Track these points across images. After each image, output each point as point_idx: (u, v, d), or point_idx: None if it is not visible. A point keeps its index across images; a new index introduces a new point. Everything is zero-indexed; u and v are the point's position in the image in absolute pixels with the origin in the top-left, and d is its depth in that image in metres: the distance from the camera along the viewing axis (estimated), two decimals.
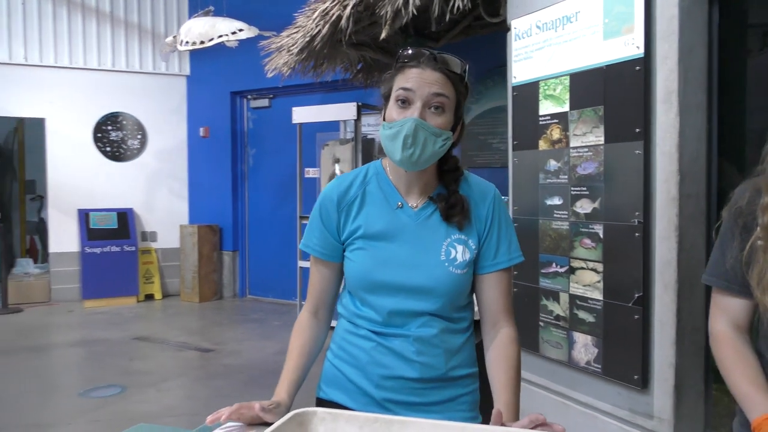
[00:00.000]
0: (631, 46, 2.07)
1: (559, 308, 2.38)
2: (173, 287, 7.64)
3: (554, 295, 2.41)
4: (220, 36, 4.73)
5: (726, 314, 1.27)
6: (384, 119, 1.28)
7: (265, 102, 7.37)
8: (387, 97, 1.29)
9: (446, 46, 4.96)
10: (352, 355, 1.33)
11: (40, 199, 8.96)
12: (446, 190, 1.33)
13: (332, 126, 6.42)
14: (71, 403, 3.93)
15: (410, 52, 1.26)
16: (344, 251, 1.35)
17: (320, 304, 1.40)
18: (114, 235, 7.15)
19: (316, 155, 6.15)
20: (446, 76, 1.25)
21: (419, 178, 1.32)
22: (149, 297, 7.45)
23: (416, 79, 1.23)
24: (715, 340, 1.27)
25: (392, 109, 1.26)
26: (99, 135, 7.38)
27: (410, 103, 1.24)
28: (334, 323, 1.43)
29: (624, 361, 2.13)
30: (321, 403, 1.36)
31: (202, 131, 7.63)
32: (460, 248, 1.29)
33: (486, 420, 1.20)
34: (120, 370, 4.63)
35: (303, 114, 5.66)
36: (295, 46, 3.65)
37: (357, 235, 1.31)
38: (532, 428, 1.08)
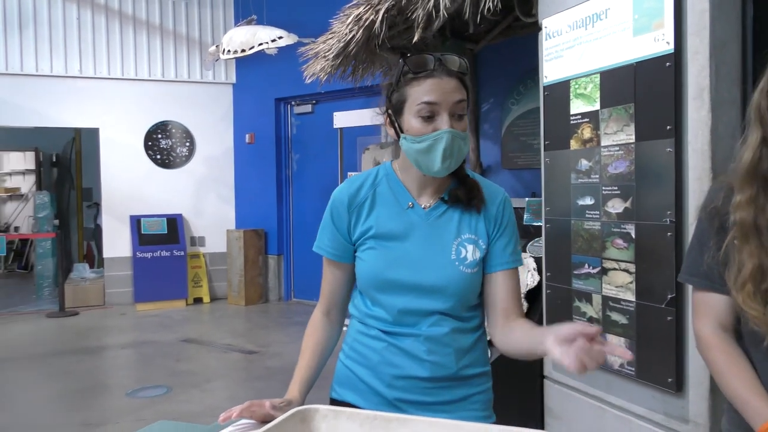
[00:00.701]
0: (662, 42, 2.02)
1: (592, 310, 2.34)
2: (221, 291, 7.82)
3: (587, 297, 2.37)
4: (260, 44, 4.83)
5: (710, 314, 1.25)
6: (401, 130, 1.29)
7: (308, 108, 7.48)
8: (399, 109, 1.29)
9: (486, 47, 4.94)
10: (364, 355, 1.35)
11: (96, 207, 9.31)
12: (458, 181, 1.34)
13: (373, 130, 6.47)
14: (119, 403, 4.07)
15: (417, 61, 1.26)
16: (355, 252, 1.37)
17: (332, 305, 1.42)
18: (164, 240, 7.37)
19: (358, 159, 6.21)
20: (460, 79, 1.26)
21: (434, 179, 1.34)
22: (198, 300, 7.64)
23: (438, 91, 1.23)
24: (703, 344, 1.25)
25: (414, 122, 1.26)
26: (149, 143, 7.62)
27: (436, 115, 1.24)
28: (347, 323, 1.45)
29: (658, 363, 2.08)
30: (334, 403, 1.39)
31: (247, 137, 7.80)
32: (470, 248, 1.30)
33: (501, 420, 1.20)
34: (167, 371, 4.77)
35: (344, 119, 5.73)
36: (331, 51, 3.70)
37: (368, 235, 1.33)
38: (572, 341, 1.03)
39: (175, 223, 7.53)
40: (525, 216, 4.12)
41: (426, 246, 1.31)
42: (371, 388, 1.33)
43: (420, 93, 1.25)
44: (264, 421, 1.18)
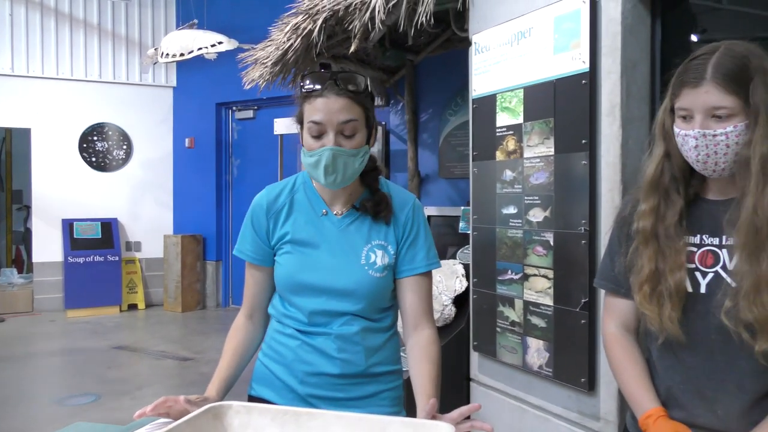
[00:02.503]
0: (578, 61, 2.15)
1: (515, 314, 2.45)
2: (157, 297, 7.67)
3: (510, 302, 2.47)
4: (200, 48, 4.80)
5: (616, 316, 1.35)
6: (303, 143, 1.34)
7: (249, 113, 7.45)
8: (300, 123, 1.35)
9: (426, 59, 5.06)
10: (280, 353, 1.39)
11: (27, 209, 8.98)
12: (370, 192, 1.40)
13: None
14: (44, 411, 3.96)
15: (310, 80, 1.30)
16: (274, 256, 1.41)
17: (255, 308, 1.47)
18: (98, 245, 7.17)
19: (298, 166, 6.20)
20: (350, 98, 1.29)
21: (344, 189, 1.40)
22: (132, 307, 7.46)
23: (324, 111, 1.28)
24: (607, 341, 1.36)
25: (306, 137, 1.32)
26: (84, 145, 7.42)
27: (323, 134, 1.29)
28: None
29: (572, 364, 2.19)
30: (252, 399, 1.43)
31: (187, 142, 7.69)
32: (379, 253, 1.37)
33: (411, 414, 1.26)
34: (97, 379, 4.65)
35: (284, 125, 5.74)
36: (269, 59, 3.72)
37: (285, 240, 1.39)
38: (458, 422, 1.13)
39: (109, 227, 7.35)
40: (460, 224, 4.22)
41: (337, 251, 1.37)
42: (286, 384, 1.37)
43: (310, 111, 1.30)
44: (180, 417, 1.20)
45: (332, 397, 1.35)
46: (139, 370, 4.95)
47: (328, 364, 1.34)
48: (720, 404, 1.19)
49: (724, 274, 1.18)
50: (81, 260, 7.00)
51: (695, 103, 1.14)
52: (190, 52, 4.89)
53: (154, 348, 5.64)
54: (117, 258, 7.23)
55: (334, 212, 1.41)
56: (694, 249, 1.23)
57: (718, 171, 1.17)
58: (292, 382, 1.37)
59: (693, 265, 1.22)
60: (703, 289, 1.20)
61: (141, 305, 7.49)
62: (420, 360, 1.35)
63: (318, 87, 1.29)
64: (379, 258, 1.37)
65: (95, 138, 7.49)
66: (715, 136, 1.13)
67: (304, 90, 1.32)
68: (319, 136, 1.30)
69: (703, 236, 1.23)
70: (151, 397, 1.21)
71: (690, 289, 1.21)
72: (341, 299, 1.35)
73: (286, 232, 1.40)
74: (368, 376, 1.37)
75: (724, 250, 1.19)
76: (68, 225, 7.14)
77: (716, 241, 1.21)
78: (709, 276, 1.20)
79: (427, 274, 1.43)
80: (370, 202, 1.39)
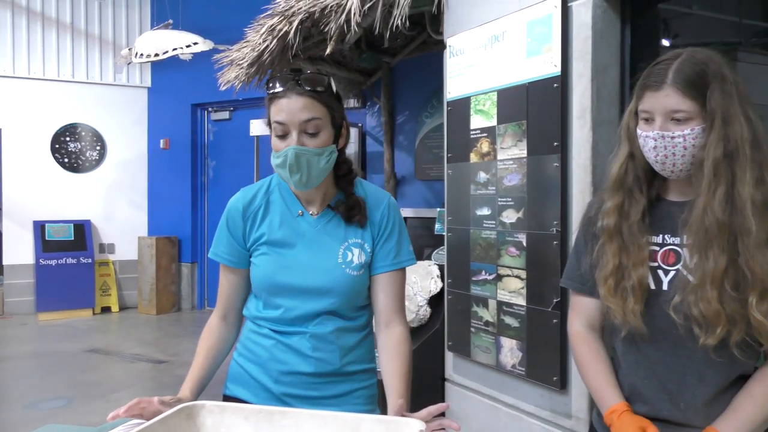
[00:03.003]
0: (550, 65, 2.19)
1: (488, 314, 2.48)
2: (131, 299, 7.59)
3: (484, 302, 2.50)
4: (175, 49, 4.77)
5: (581, 315, 1.40)
6: (272, 145, 1.36)
7: (225, 114, 7.41)
8: (269, 124, 1.37)
9: (402, 61, 5.09)
10: (254, 353, 1.40)
11: None
12: (344, 195, 1.42)
13: None
14: (15, 415, 3.90)
15: (273, 82, 1.33)
16: (250, 257, 1.42)
17: (229, 309, 1.47)
18: (70, 247, 7.07)
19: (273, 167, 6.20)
20: (312, 98, 1.31)
21: (317, 190, 1.41)
22: (106, 309, 7.37)
23: (286, 111, 1.30)
24: (573, 339, 1.40)
25: (273, 138, 1.35)
26: (57, 146, 7.32)
27: (287, 134, 1.32)
28: None
29: (544, 363, 2.22)
30: (226, 399, 1.43)
31: (162, 143, 7.63)
32: (356, 251, 1.38)
33: (384, 412, 1.27)
34: (69, 383, 4.59)
35: (260, 127, 5.71)
36: (245, 60, 3.72)
37: (261, 241, 1.40)
38: (428, 420, 1.15)
39: (82, 229, 7.25)
40: (436, 226, 4.25)
41: (314, 251, 1.38)
42: (260, 383, 1.38)
43: (274, 113, 1.33)
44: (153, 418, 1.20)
45: (307, 395, 1.36)
46: (113, 374, 4.89)
47: (303, 363, 1.36)
48: (682, 397, 1.23)
49: (684, 272, 1.22)
50: (53, 262, 6.90)
51: (656, 105, 1.19)
52: (165, 53, 4.85)
53: (128, 351, 5.58)
54: (90, 260, 7.13)
55: (310, 212, 1.43)
56: (657, 248, 1.27)
57: (676, 172, 1.21)
58: (267, 381, 1.38)
59: (656, 264, 1.26)
60: (665, 286, 1.24)
61: (115, 308, 7.40)
62: (391, 358, 1.37)
63: (281, 88, 1.31)
64: (356, 256, 1.38)
65: (68, 138, 7.39)
66: (673, 138, 1.18)
67: (268, 92, 1.34)
68: (283, 136, 1.32)
69: (665, 236, 1.27)
70: (125, 400, 1.21)
71: (653, 286, 1.25)
72: (318, 298, 1.36)
73: (263, 234, 1.41)
74: (342, 375, 1.39)
75: (685, 249, 1.23)
76: (40, 227, 7.03)
77: (677, 240, 1.25)
78: (671, 273, 1.24)
79: (400, 272, 1.45)
80: (343, 206, 1.41)
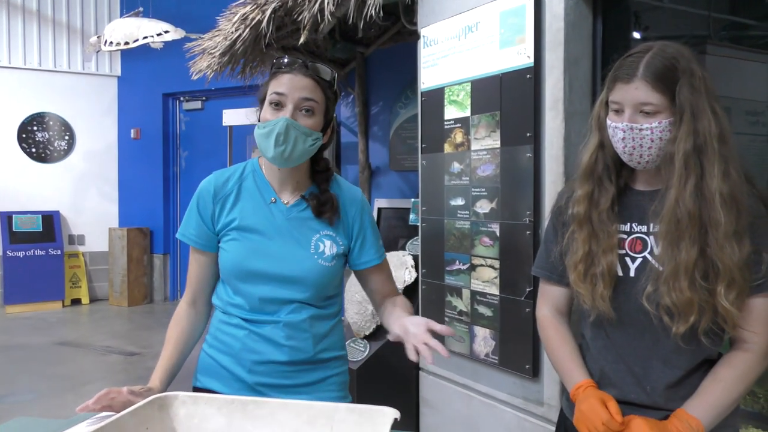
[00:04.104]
0: (523, 56, 2.20)
1: (462, 304, 2.50)
2: (102, 291, 7.48)
3: (458, 292, 2.52)
4: (145, 37, 4.69)
5: (549, 301, 1.44)
6: (259, 120, 1.36)
7: (197, 104, 7.31)
8: (262, 101, 1.38)
9: (376, 51, 5.06)
10: (226, 343, 1.40)
11: None
12: (318, 189, 1.42)
13: None
14: None
15: (284, 60, 1.37)
16: (219, 242, 1.42)
17: (198, 294, 1.46)
18: (38, 238, 6.94)
19: (247, 158, 6.15)
20: (316, 82, 1.36)
21: (292, 176, 1.41)
22: (76, 302, 7.26)
23: (288, 84, 1.34)
24: (541, 324, 1.44)
25: (266, 111, 1.36)
26: (24, 135, 7.16)
27: (283, 106, 1.33)
28: None
29: (517, 352, 2.25)
30: (197, 391, 1.42)
31: (133, 133, 7.51)
32: (328, 243, 1.40)
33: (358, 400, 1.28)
34: (38, 376, 4.52)
35: (233, 117, 5.66)
36: (217, 49, 3.67)
37: (231, 227, 1.40)
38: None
39: (51, 220, 7.11)
40: (411, 216, 4.26)
41: (287, 239, 1.39)
42: (233, 374, 1.38)
43: (275, 85, 1.36)
44: (124, 409, 1.19)
45: (280, 384, 1.36)
46: (83, 366, 4.82)
47: (277, 352, 1.36)
48: (648, 380, 1.27)
49: (651, 259, 1.26)
50: (21, 254, 6.77)
51: (625, 97, 1.21)
52: (135, 41, 4.76)
53: (98, 343, 5.51)
54: (59, 252, 7.01)
55: (284, 201, 1.43)
56: (625, 236, 1.30)
57: (643, 163, 1.24)
58: (240, 371, 1.37)
59: (623, 251, 1.29)
60: (632, 273, 1.28)
61: (85, 300, 7.29)
62: (393, 304, 1.46)
63: (288, 65, 1.36)
64: (328, 248, 1.40)
65: (35, 128, 7.23)
66: (641, 130, 1.20)
67: (274, 67, 1.38)
68: (278, 106, 1.34)
69: (633, 224, 1.30)
70: (96, 393, 1.20)
71: (620, 273, 1.29)
72: (289, 287, 1.36)
73: (233, 219, 1.40)
74: (316, 363, 1.40)
75: (651, 237, 1.27)
76: (6, 218, 6.88)
77: (644, 228, 1.29)
78: (638, 261, 1.28)
79: (383, 262, 1.53)
80: (316, 200, 1.42)
